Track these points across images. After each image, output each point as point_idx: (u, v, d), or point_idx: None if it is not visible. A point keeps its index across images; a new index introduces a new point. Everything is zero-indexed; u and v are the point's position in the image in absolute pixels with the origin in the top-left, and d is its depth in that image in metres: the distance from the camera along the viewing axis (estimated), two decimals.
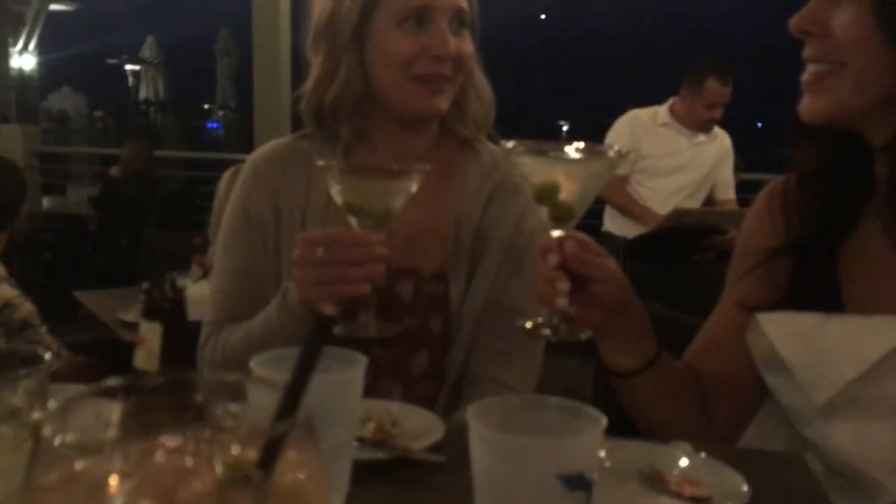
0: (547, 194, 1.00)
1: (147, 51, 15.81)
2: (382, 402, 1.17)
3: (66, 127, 12.14)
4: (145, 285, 0.79)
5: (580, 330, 1.06)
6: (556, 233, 1.02)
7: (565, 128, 18.83)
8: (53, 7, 16.18)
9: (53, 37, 16.83)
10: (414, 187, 1.11)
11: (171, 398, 0.47)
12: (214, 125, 16.97)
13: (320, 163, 1.13)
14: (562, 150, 1.02)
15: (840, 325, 0.98)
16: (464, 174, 1.41)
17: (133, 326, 3.57)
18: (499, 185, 1.39)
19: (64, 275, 6.22)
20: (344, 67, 1.33)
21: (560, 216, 1.02)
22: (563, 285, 1.01)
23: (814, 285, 1.05)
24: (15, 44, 15.62)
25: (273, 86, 6.33)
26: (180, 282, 3.63)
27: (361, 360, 0.87)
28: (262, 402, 0.47)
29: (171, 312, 0.78)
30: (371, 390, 1.30)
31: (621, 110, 4.40)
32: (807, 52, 0.98)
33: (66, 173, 9.13)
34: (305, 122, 1.41)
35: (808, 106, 0.98)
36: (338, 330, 1.13)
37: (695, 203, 4.16)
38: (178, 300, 0.78)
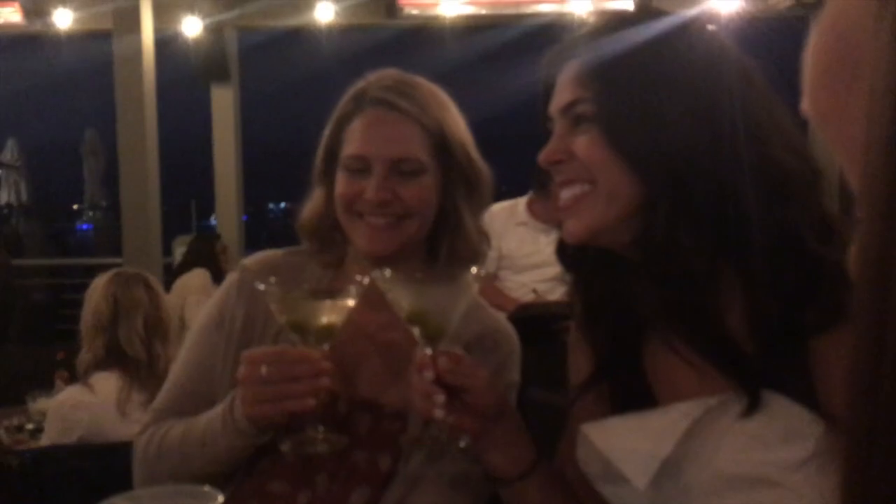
0: (416, 318, 1.11)
1: (8, 153, 15.20)
2: None
3: None
4: None
5: (459, 437, 1.14)
6: (429, 350, 1.11)
7: None
8: None
9: None
10: (350, 302, 1.17)
11: None
12: (84, 226, 16.33)
13: (259, 286, 1.19)
14: (426, 276, 1.15)
15: (649, 416, 1.07)
16: None
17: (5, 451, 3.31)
18: (478, 338, 1.38)
19: None
20: (319, 199, 1.41)
21: (431, 335, 1.11)
22: (439, 398, 1.08)
23: (630, 396, 1.13)
24: None
25: (140, 184, 6.15)
26: (41, 401, 3.41)
27: (216, 498, 0.81)
28: None
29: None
30: None
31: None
32: (559, 179, 1.09)
33: None
34: (300, 236, 1.46)
35: (571, 228, 1.08)
36: (286, 447, 1.17)
37: (562, 291, 4.18)
38: (11, 467, 0.69)
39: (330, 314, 1.16)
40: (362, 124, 1.33)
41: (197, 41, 6.77)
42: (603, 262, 1.11)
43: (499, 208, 4.30)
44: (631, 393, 1.13)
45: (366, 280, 1.17)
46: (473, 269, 1.15)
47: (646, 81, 1.00)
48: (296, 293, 1.18)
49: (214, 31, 6.76)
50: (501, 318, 1.47)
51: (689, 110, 0.99)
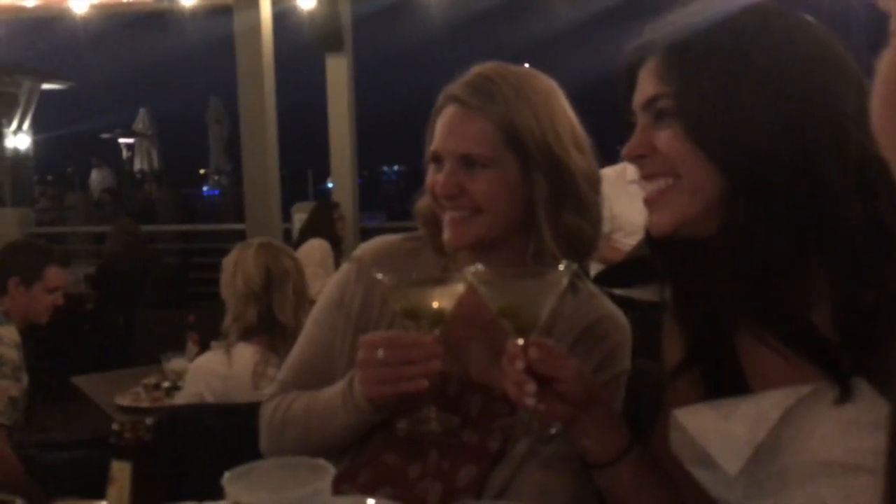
0: (506, 312, 1.16)
1: (140, 123, 16.01)
2: (356, 498, 1.25)
3: (61, 205, 12.20)
4: (115, 425, 0.78)
5: (550, 425, 1.19)
6: (520, 340, 1.15)
7: None
8: (46, 86, 16.45)
9: (47, 116, 17.06)
10: (460, 289, 1.23)
11: None
12: (209, 192, 17.08)
13: (376, 276, 1.25)
14: (516, 272, 1.19)
15: (741, 402, 1.07)
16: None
17: (129, 411, 3.58)
18: (590, 327, 1.41)
19: (63, 356, 6.20)
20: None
21: (521, 328, 1.15)
22: (530, 387, 1.13)
23: (723, 382, 1.14)
24: (9, 124, 15.84)
25: (261, 152, 6.39)
26: (175, 361, 3.63)
27: (329, 471, 0.89)
28: None
29: (140, 452, 0.78)
30: (412, 488, 1.35)
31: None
32: (643, 171, 1.09)
33: (63, 252, 9.17)
34: (417, 222, 1.51)
35: (655, 221, 1.10)
36: (401, 425, 1.25)
37: None
38: (147, 440, 0.78)
39: (440, 300, 1.22)
40: (440, 121, 1.39)
41: (312, 12, 6.94)
42: (691, 251, 1.11)
43: (608, 171, 4.28)
44: (723, 378, 1.14)
45: (473, 268, 1.21)
46: (562, 265, 1.17)
47: (728, 75, 1.00)
48: (408, 281, 1.24)
49: (329, 2, 6.91)
50: (614, 307, 1.47)
51: (774, 104, 0.98)
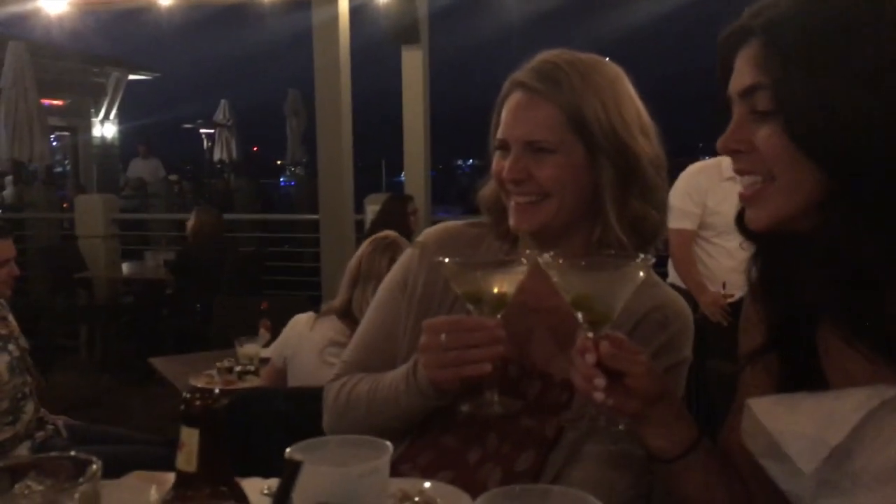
0: (580, 304, 1.13)
1: (220, 114, 16.39)
2: (414, 481, 1.26)
3: (145, 193, 12.59)
4: (185, 394, 0.82)
5: (619, 420, 1.16)
6: (591, 333, 1.13)
7: None
8: (132, 77, 17.02)
9: (133, 105, 17.64)
10: (521, 274, 1.23)
11: None
12: (286, 182, 17.40)
13: (439, 259, 1.26)
14: (592, 263, 1.15)
15: (821, 399, 1.04)
16: None
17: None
18: (648, 314, 1.40)
19: (142, 339, 6.43)
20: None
21: (595, 321, 1.13)
22: (600, 381, 1.11)
23: (799, 373, 1.11)
24: (97, 114, 16.45)
25: (335, 144, 6.48)
26: (247, 346, 3.75)
27: (388, 449, 0.91)
28: None
29: (208, 419, 0.81)
30: (472, 472, 1.36)
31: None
32: (737, 165, 1.06)
33: (145, 239, 9.48)
34: (481, 209, 1.53)
35: (751, 217, 1.07)
36: (465, 408, 1.27)
37: None
38: (215, 408, 0.82)
39: (502, 285, 1.22)
40: (507, 108, 1.40)
41: (388, 5, 7.00)
42: (783, 240, 1.08)
43: (703, 165, 4.20)
44: (800, 369, 1.11)
45: (536, 254, 1.21)
46: (639, 258, 1.15)
47: (834, 68, 0.94)
48: (471, 265, 1.24)
49: None
50: (675, 294, 1.46)
51: (884, 102, 0.93)
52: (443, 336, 1.25)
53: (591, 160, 1.35)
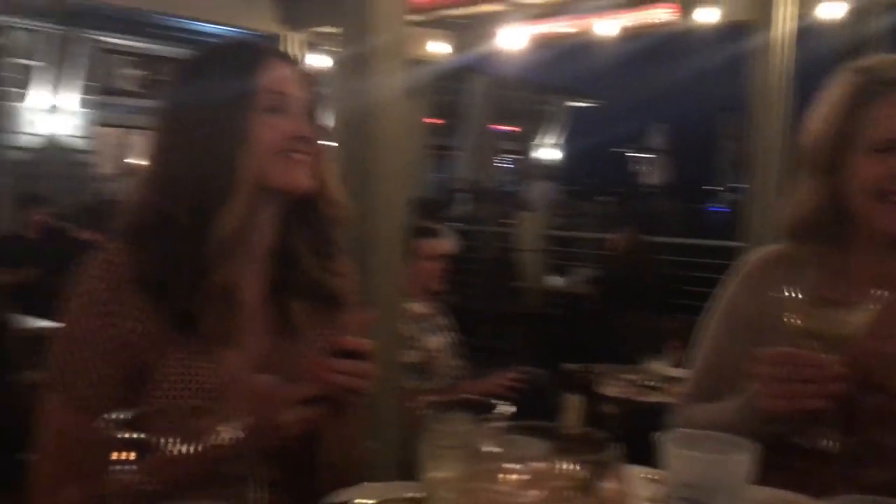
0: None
1: (653, 139, 16.72)
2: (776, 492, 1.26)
3: (576, 213, 13.33)
4: (568, 366, 1.00)
5: None
6: None
7: None
8: (574, 104, 18.15)
9: (574, 130, 18.77)
10: (871, 315, 1.19)
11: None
12: (712, 208, 17.11)
13: (775, 293, 1.27)
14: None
15: None
16: None
17: (611, 400, 3.90)
18: None
19: (560, 346, 6.87)
20: (818, 190, 1.43)
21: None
22: None
23: None
24: (541, 138, 17.86)
25: (770, 169, 6.27)
26: (653, 364, 3.87)
27: (751, 448, 0.97)
28: None
29: (586, 389, 0.98)
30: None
31: None
32: None
33: (571, 255, 10.08)
34: (785, 234, 1.52)
35: None
36: (799, 440, 1.28)
37: None
38: (589, 381, 0.98)
39: (844, 325, 1.18)
40: (888, 109, 1.33)
41: (839, 25, 6.58)
42: None
43: None
44: None
45: (885, 295, 1.16)
46: None
47: None
48: (808, 301, 1.22)
49: (860, 12, 6.49)
50: None
51: None
52: (777, 368, 1.24)
53: None
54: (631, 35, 7.83)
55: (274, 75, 1.33)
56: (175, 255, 1.27)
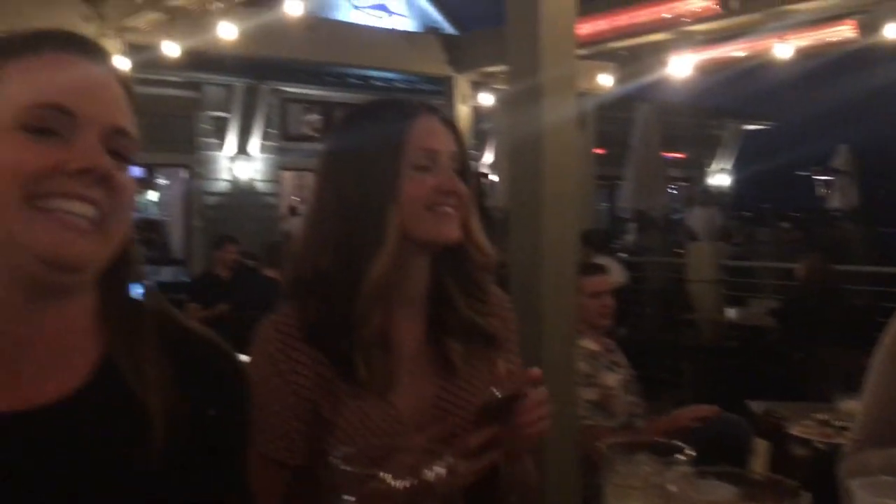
0: None
1: (839, 160, 15.72)
2: None
3: (753, 240, 12.76)
4: (762, 405, 0.98)
5: None
6: None
7: None
8: (748, 127, 17.44)
9: (747, 154, 18.02)
10: None
11: None
12: None
13: None
14: None
15: None
16: None
17: (798, 441, 3.68)
18: None
19: (740, 381, 6.56)
20: None
21: None
22: None
23: None
24: (712, 164, 17.26)
25: None
26: (847, 402, 3.63)
27: None
28: None
29: (776, 436, 0.96)
30: None
31: None
32: None
33: (751, 286, 9.63)
34: None
35: None
36: None
37: None
38: (781, 426, 0.96)
39: None
40: None
41: None
42: None
43: None
44: None
45: None
46: None
47: None
48: None
49: None
50: None
51: None
52: None
53: None
54: (806, 55, 7.48)
55: (424, 132, 1.39)
56: (330, 307, 1.35)
